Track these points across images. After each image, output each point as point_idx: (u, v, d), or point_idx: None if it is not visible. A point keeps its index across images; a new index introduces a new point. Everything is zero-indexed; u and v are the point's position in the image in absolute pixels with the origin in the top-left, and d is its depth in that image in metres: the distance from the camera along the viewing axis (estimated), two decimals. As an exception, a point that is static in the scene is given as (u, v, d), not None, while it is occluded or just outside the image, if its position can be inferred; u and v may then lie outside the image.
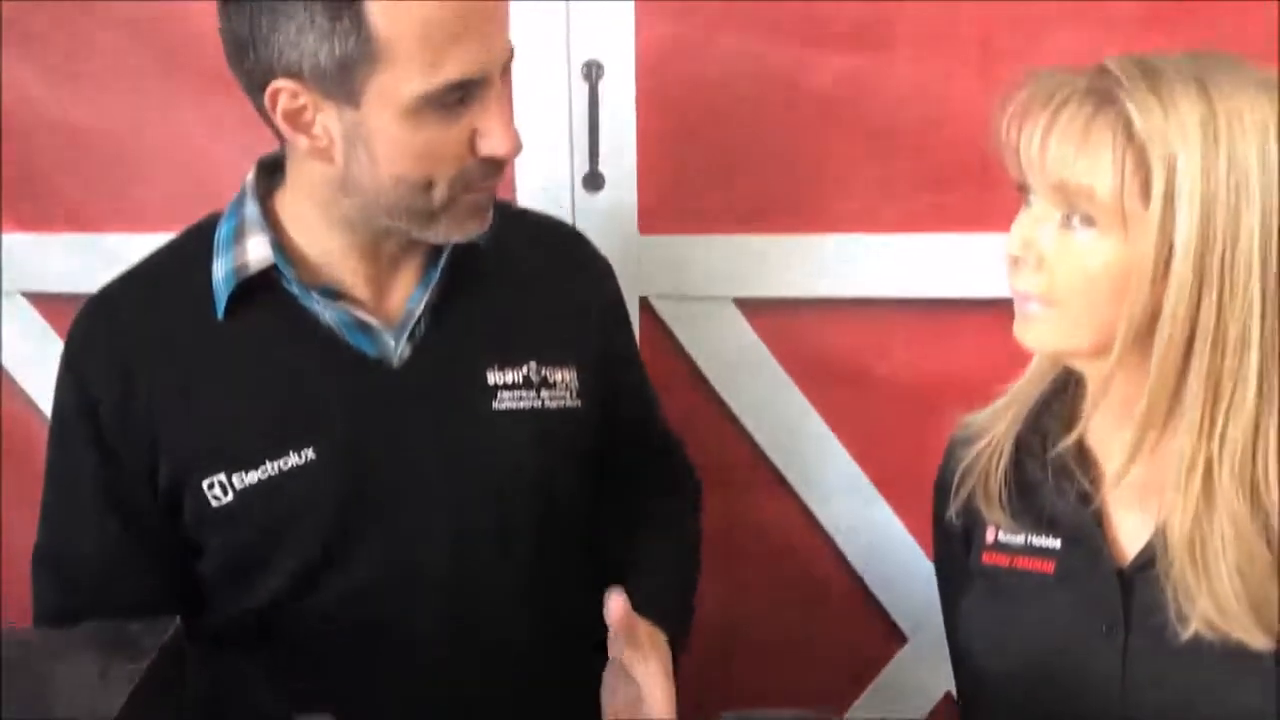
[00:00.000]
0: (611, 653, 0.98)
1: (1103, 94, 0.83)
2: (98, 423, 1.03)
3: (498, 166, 1.01)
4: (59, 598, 1.07)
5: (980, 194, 1.33)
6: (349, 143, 0.96)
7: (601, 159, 1.37)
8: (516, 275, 1.11)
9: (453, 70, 0.94)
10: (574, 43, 1.35)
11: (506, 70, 1.00)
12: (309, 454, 1.02)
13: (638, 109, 1.36)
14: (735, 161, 1.37)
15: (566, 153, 1.38)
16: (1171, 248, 0.82)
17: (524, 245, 1.13)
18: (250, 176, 1.06)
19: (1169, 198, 0.81)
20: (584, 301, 1.16)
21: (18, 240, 1.49)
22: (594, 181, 1.38)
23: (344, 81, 0.93)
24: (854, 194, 1.37)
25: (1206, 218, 0.81)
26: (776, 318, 1.42)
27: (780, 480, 1.47)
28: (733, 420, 1.46)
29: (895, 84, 1.33)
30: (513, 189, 1.38)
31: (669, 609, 1.08)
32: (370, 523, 1.04)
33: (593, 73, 1.35)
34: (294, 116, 0.96)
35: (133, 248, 1.15)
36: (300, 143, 0.98)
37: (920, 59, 1.32)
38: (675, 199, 1.40)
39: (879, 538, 1.47)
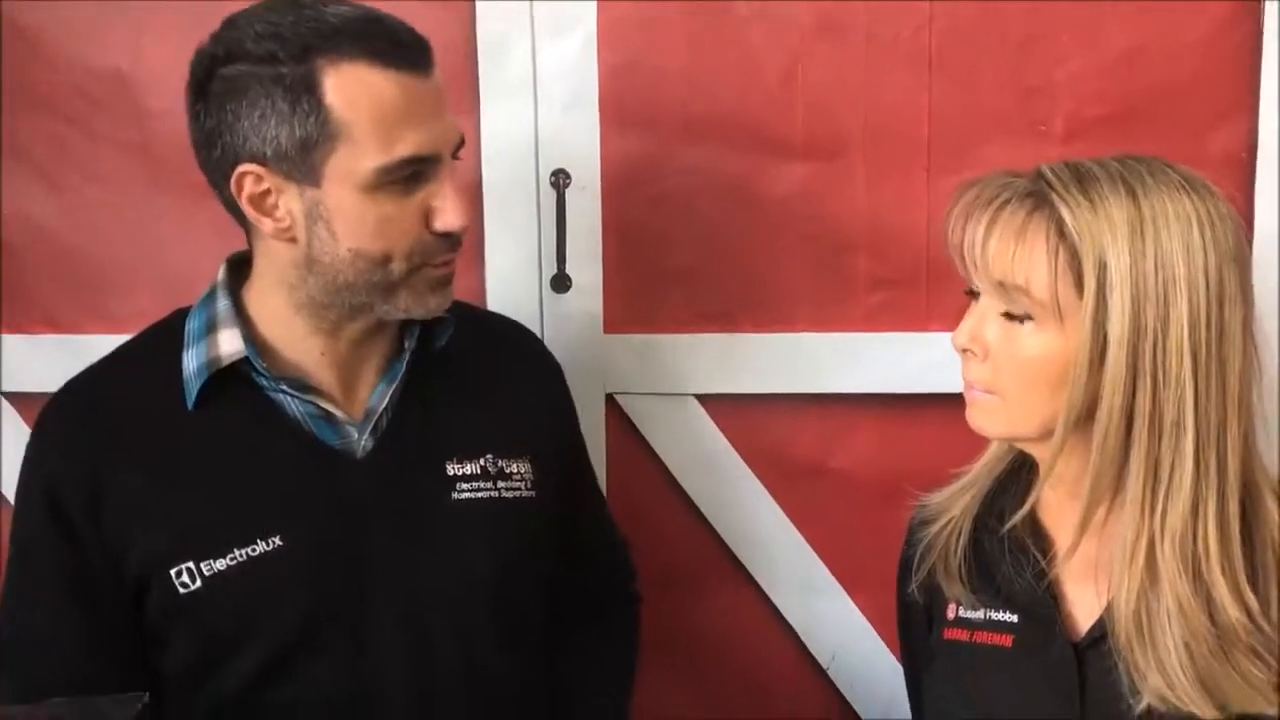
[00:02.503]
0: None
1: (1038, 196, 0.88)
2: (64, 516, 1.04)
3: (452, 241, 1.05)
4: (16, 689, 1.05)
5: (929, 293, 1.39)
6: (310, 220, 1.01)
7: (568, 262, 1.41)
8: (475, 372, 1.15)
9: (407, 147, 0.99)
10: (543, 153, 1.40)
11: (456, 153, 1.05)
12: (276, 541, 1.04)
13: (603, 215, 1.41)
14: (696, 263, 1.42)
15: (535, 256, 1.42)
16: (1106, 339, 0.86)
17: (482, 343, 1.18)
18: (221, 273, 1.10)
19: (1101, 293, 0.85)
20: (536, 397, 1.20)
21: (-1, 340, 1.49)
22: (561, 283, 1.42)
23: (305, 161, 0.99)
24: (810, 294, 1.42)
25: (1137, 311, 0.85)
26: (737, 413, 1.45)
27: (743, 573, 1.48)
28: (696, 513, 1.48)
29: (847, 190, 1.39)
30: (483, 289, 1.42)
31: None
32: (334, 613, 1.05)
33: (560, 181, 1.40)
34: (259, 200, 1.01)
35: (111, 349, 1.17)
36: (265, 225, 1.02)
37: (870, 167, 1.38)
38: (639, 300, 1.44)
39: (841, 631, 1.48)
